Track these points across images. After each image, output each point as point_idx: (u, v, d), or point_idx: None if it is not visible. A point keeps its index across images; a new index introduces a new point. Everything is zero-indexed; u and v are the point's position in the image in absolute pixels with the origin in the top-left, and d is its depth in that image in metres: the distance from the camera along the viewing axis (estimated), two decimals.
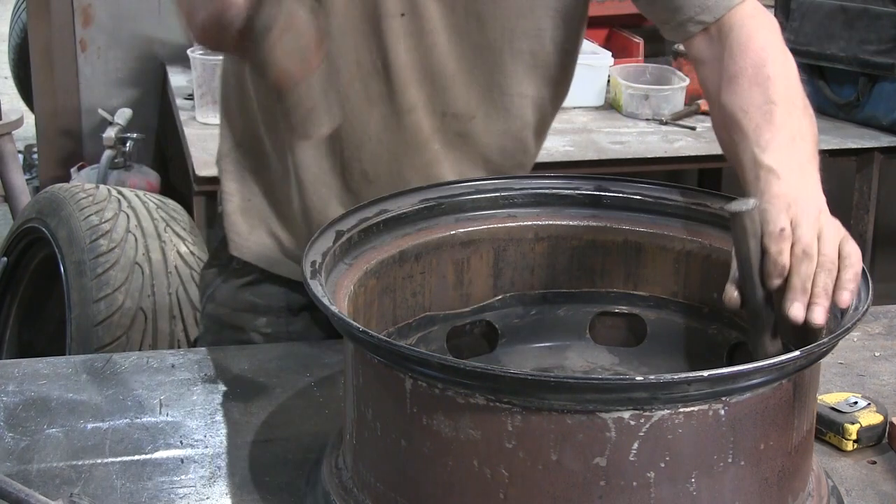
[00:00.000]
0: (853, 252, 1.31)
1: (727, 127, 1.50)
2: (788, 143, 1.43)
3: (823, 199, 1.38)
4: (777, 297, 1.30)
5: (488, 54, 1.67)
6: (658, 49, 3.95)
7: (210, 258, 1.91)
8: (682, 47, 3.63)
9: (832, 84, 3.61)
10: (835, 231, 1.33)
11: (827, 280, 1.28)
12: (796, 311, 1.26)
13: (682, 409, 1.14)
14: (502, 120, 1.71)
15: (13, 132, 4.48)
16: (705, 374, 1.13)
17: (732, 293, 1.32)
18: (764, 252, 1.30)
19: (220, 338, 1.83)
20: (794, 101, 1.48)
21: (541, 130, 1.79)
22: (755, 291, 1.30)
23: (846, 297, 1.28)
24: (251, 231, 1.79)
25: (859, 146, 3.48)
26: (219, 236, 1.87)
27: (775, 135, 1.44)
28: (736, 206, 1.29)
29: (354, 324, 1.20)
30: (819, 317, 1.26)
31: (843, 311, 1.28)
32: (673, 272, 1.55)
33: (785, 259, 1.29)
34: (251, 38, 1.33)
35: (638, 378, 1.12)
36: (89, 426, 1.51)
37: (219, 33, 1.34)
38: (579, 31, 1.73)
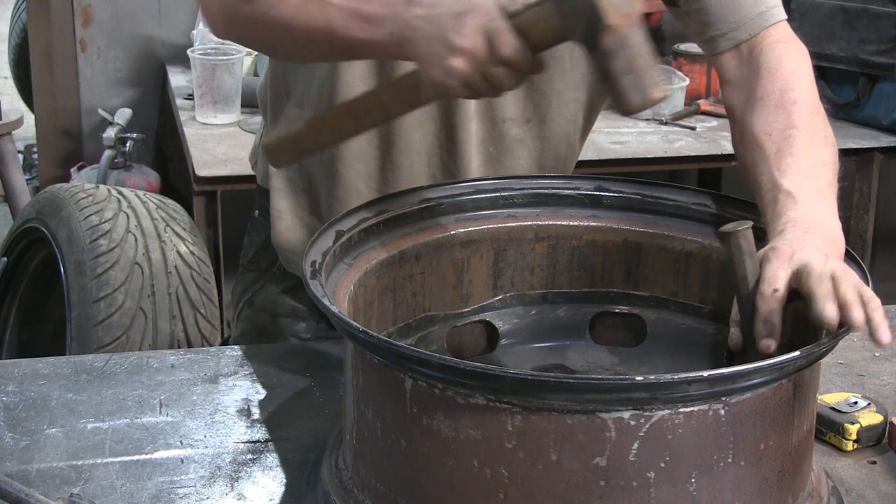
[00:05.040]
0: (874, 296, 1.25)
1: (748, 147, 1.51)
2: (808, 169, 1.43)
3: (839, 225, 1.38)
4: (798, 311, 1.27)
5: (551, 62, 1.66)
6: (658, 49, 3.95)
7: (248, 263, 1.90)
8: (682, 47, 3.65)
9: (832, 84, 3.61)
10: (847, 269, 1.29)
11: (854, 292, 1.22)
12: (830, 312, 1.20)
13: (682, 409, 1.14)
14: (557, 125, 1.71)
15: (13, 132, 4.48)
16: (705, 374, 1.13)
17: (734, 334, 1.32)
18: (754, 311, 1.28)
19: (257, 342, 1.83)
20: (816, 130, 1.49)
21: (586, 133, 1.80)
22: (750, 312, 1.30)
23: (886, 335, 1.22)
24: (302, 247, 1.79)
25: (859, 146, 3.48)
26: (256, 242, 1.87)
27: (797, 160, 1.44)
28: (730, 227, 1.30)
29: (354, 324, 1.20)
30: (859, 318, 1.19)
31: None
32: (673, 272, 1.55)
33: (775, 319, 1.26)
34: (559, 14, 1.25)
35: (638, 378, 1.11)
36: (89, 426, 1.51)
37: (493, 50, 1.30)
38: None
